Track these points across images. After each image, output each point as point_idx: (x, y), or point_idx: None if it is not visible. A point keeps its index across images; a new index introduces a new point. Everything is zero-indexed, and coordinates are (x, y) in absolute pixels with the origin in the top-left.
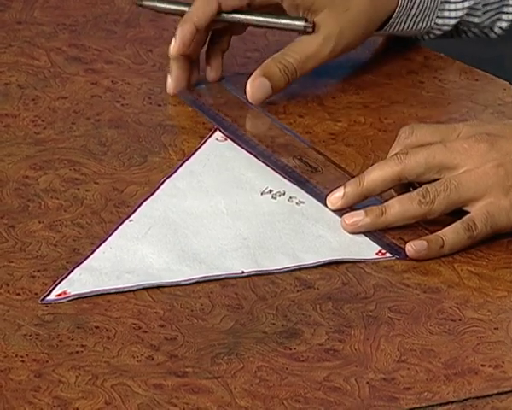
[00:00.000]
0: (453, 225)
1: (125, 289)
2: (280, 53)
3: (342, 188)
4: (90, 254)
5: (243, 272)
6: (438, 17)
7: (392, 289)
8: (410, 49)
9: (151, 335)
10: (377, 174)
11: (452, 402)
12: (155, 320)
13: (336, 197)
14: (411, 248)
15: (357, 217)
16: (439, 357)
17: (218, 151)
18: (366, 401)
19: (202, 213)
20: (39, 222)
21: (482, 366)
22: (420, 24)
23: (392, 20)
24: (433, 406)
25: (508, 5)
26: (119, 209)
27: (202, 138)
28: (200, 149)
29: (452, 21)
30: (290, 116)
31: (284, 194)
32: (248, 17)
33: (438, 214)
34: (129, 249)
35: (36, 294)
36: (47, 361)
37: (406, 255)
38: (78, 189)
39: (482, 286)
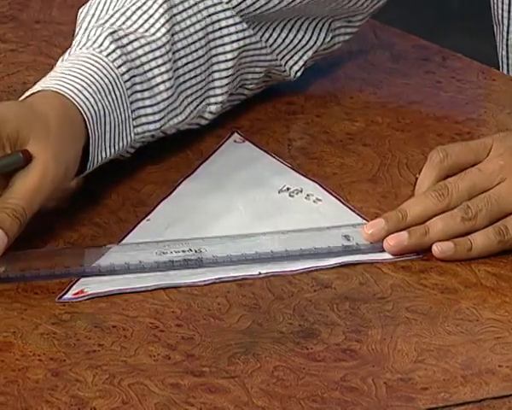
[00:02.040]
0: (484, 229)
1: (142, 289)
2: (2, 198)
3: (382, 221)
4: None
5: (260, 274)
6: (135, 127)
7: (409, 290)
8: (427, 49)
9: (168, 334)
10: (421, 210)
11: (469, 403)
12: (172, 320)
13: (377, 231)
14: (437, 248)
15: (401, 239)
16: (457, 357)
17: (236, 152)
18: (383, 402)
19: (220, 213)
20: (57, 221)
21: (499, 366)
22: (120, 143)
23: (91, 148)
24: (450, 406)
25: (214, 88)
26: (137, 209)
27: (220, 138)
28: (218, 151)
29: (152, 126)
30: (308, 116)
31: (301, 191)
32: None
33: (481, 228)
34: None
35: (53, 293)
36: (64, 360)
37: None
38: (96, 188)
39: (500, 287)
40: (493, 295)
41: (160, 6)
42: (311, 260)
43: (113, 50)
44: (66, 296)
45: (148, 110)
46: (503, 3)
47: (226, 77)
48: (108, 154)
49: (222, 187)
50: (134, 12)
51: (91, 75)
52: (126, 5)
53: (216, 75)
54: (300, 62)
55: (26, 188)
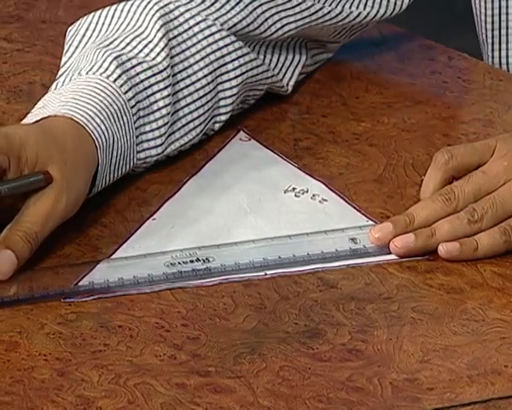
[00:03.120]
0: (490, 229)
1: (148, 290)
2: (16, 221)
3: (390, 225)
4: (112, 253)
5: (266, 274)
6: (138, 152)
7: (415, 290)
8: (433, 49)
9: (174, 334)
10: (428, 214)
11: (475, 403)
12: (178, 320)
13: (384, 235)
14: (443, 248)
15: (408, 240)
16: (462, 357)
17: (241, 150)
18: (389, 402)
19: (225, 212)
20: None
21: (505, 366)
22: (123, 168)
23: (98, 174)
24: (455, 406)
25: (219, 107)
26: (142, 208)
27: (225, 138)
28: (224, 149)
29: (154, 151)
30: (314, 116)
31: (307, 191)
32: None
33: (488, 229)
34: (152, 248)
35: None
36: (70, 360)
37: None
38: (102, 187)
39: (505, 287)
40: (499, 296)
41: (158, 31)
42: (319, 264)
43: (119, 76)
44: (72, 296)
45: (150, 135)
46: (486, 23)
47: (230, 97)
48: (112, 178)
49: (227, 186)
50: (133, 39)
51: (101, 101)
52: (123, 33)
53: (221, 96)
54: (294, 78)
55: (40, 212)
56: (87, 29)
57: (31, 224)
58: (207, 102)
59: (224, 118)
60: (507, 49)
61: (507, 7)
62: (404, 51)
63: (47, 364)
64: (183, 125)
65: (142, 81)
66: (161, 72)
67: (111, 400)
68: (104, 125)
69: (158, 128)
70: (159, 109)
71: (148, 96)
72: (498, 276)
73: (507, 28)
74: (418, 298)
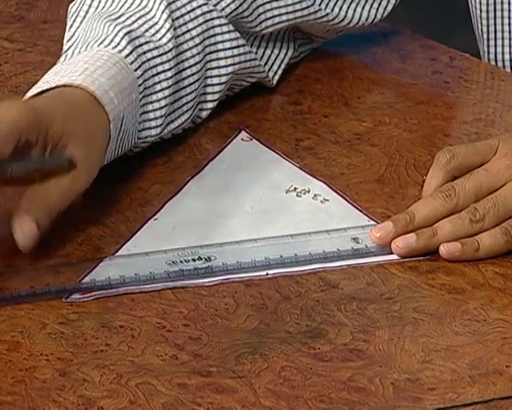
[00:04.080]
0: (492, 229)
1: (150, 289)
2: (35, 192)
3: (390, 224)
4: (114, 253)
5: (267, 274)
6: (139, 131)
7: (416, 290)
8: (435, 49)
9: (175, 334)
10: (428, 211)
11: (477, 403)
12: (180, 320)
13: (385, 234)
14: (444, 249)
15: (409, 240)
16: (464, 358)
17: (243, 150)
18: (390, 402)
19: (227, 213)
20: (64, 220)
21: (507, 366)
22: (126, 145)
23: (108, 149)
24: (457, 406)
25: (205, 94)
26: (144, 208)
27: (227, 138)
28: (226, 149)
29: (154, 131)
30: (315, 116)
31: (309, 191)
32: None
33: (489, 229)
34: (153, 248)
35: None
36: (71, 360)
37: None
38: (103, 187)
39: (507, 287)
40: (501, 296)
41: (163, 12)
42: (321, 263)
43: (131, 52)
44: (73, 296)
45: (151, 115)
46: (481, 18)
47: (218, 84)
48: (113, 155)
49: (229, 186)
50: (139, 17)
51: (114, 76)
52: (128, 11)
53: (208, 83)
54: (279, 71)
55: (61, 187)
56: (90, 6)
57: (52, 197)
58: (197, 88)
59: (210, 105)
60: (502, 45)
61: (502, 3)
62: (405, 51)
63: (48, 364)
64: (180, 107)
65: (148, 60)
66: (167, 53)
67: (112, 400)
68: (117, 99)
69: (160, 108)
70: (162, 90)
71: (153, 76)
72: (500, 276)
73: (502, 25)
74: (420, 298)
